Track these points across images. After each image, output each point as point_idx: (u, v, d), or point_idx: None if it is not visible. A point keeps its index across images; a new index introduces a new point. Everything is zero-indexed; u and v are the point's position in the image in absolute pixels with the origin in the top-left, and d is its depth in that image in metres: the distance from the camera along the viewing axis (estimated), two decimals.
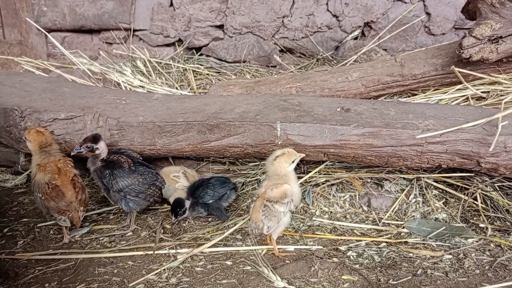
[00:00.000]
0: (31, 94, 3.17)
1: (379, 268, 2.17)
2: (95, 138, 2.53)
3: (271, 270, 2.07)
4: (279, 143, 2.56)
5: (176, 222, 2.71)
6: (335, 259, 2.27)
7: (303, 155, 2.39)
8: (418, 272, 2.11)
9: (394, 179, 2.86)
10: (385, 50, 5.21)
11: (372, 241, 2.51)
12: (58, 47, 4.67)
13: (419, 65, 3.07)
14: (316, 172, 2.95)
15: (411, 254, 2.33)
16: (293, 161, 2.35)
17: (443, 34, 5.17)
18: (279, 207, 2.26)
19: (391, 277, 2.08)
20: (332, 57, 5.14)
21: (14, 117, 2.92)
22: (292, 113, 2.66)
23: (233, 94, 3.38)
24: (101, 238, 2.60)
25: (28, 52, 5.48)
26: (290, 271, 2.12)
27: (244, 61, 5.21)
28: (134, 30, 5.20)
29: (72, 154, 2.56)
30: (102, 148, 2.57)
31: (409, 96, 3.33)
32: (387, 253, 2.36)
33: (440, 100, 3.08)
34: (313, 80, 3.25)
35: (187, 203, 2.69)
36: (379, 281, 2.04)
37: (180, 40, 5.27)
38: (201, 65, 5.14)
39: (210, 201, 2.72)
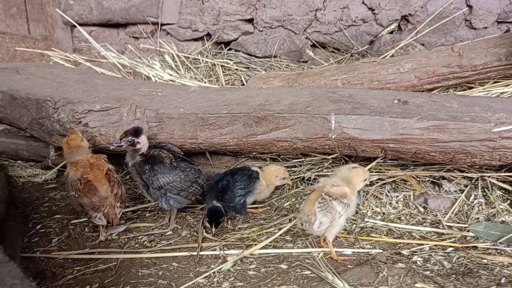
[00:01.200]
0: (64, 85, 3.02)
1: (454, 276, 1.94)
2: (137, 132, 2.36)
3: (336, 275, 1.86)
4: (333, 137, 2.36)
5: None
6: (400, 265, 2.05)
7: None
8: (502, 281, 1.87)
9: (455, 178, 2.62)
10: (423, 45, 4.95)
11: (436, 245, 2.29)
12: (86, 41, 4.56)
13: (479, 55, 2.84)
14: (367, 170, 2.73)
15: (485, 261, 2.09)
16: (365, 179, 2.25)
17: (485, 28, 4.89)
18: (337, 204, 2.08)
19: (471, 286, 1.85)
20: (367, 52, 4.91)
21: (46, 108, 2.77)
22: (345, 104, 2.45)
23: (274, 87, 3.18)
24: (139, 237, 2.43)
25: (54, 47, 5.38)
26: (355, 277, 1.90)
27: (274, 56, 5.02)
28: (162, 24, 5.05)
29: (111, 147, 2.40)
30: (143, 142, 2.40)
31: (464, 90, 3.09)
32: (457, 258, 2.13)
33: (502, 93, 2.84)
34: (361, 71, 3.04)
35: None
36: None
37: (208, 35, 5.11)
38: (230, 60, 4.96)
39: (242, 201, 2.48)
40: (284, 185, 2.94)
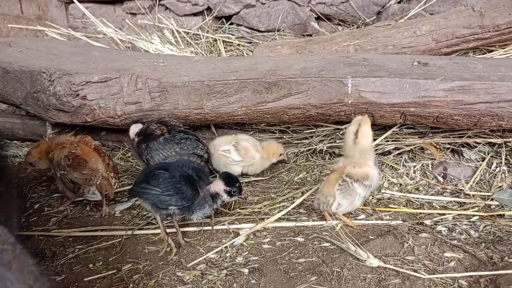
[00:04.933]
0: (59, 57, 2.85)
1: (484, 244, 1.81)
2: None
3: (359, 246, 1.72)
4: (350, 102, 2.20)
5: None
6: (425, 234, 1.92)
7: None
8: None
9: (478, 144, 2.47)
10: (432, 14, 4.74)
11: (459, 214, 2.15)
12: (81, 18, 4.37)
13: (503, 14, 2.66)
14: (382, 139, 2.58)
15: None
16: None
17: None
18: (358, 187, 1.97)
19: (504, 254, 1.72)
20: (374, 23, 4.70)
21: (42, 81, 2.61)
22: (361, 67, 2.28)
23: (282, 55, 3.01)
24: (144, 213, 2.29)
25: (48, 23, 5.18)
26: (379, 248, 1.77)
27: (278, 30, 4.82)
28: None
29: None
30: None
31: (484, 53, 2.92)
32: (484, 227, 2.00)
33: None
34: (374, 36, 2.86)
35: None
36: (491, 259, 1.68)
37: (208, 9, 4.89)
38: (232, 35, 4.76)
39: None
40: (293, 157, 2.80)
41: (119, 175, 2.76)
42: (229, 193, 1.96)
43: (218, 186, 1.96)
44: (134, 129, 2.35)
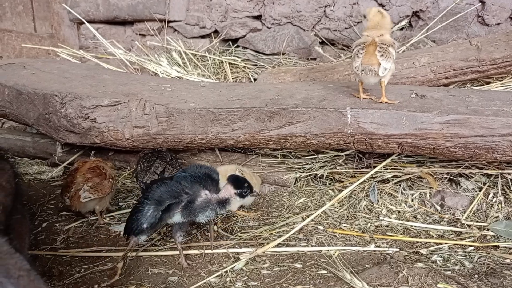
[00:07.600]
0: (71, 80, 2.97)
1: (477, 276, 1.86)
2: None
3: (354, 275, 1.78)
4: (349, 132, 2.28)
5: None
6: (419, 264, 1.97)
7: None
8: None
9: (474, 175, 2.54)
10: (434, 41, 4.85)
11: (455, 244, 2.20)
12: (93, 38, 4.52)
13: (499, 48, 2.75)
14: (381, 167, 2.65)
15: (508, 261, 2.01)
16: None
17: (498, 24, 4.77)
18: (392, 50, 2.21)
19: (496, 286, 1.77)
20: None
21: (54, 103, 2.71)
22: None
23: (285, 82, 3.11)
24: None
25: (60, 45, 5.35)
26: (374, 277, 1.82)
27: (283, 53, 4.94)
28: (169, 21, 4.99)
29: None
30: None
31: (482, 85, 3.00)
32: (478, 258, 2.05)
33: None
34: None
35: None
36: None
37: (216, 32, 5.04)
38: (238, 57, 4.89)
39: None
40: (294, 182, 2.87)
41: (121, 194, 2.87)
42: (241, 195, 2.02)
43: (227, 191, 2.02)
44: None
